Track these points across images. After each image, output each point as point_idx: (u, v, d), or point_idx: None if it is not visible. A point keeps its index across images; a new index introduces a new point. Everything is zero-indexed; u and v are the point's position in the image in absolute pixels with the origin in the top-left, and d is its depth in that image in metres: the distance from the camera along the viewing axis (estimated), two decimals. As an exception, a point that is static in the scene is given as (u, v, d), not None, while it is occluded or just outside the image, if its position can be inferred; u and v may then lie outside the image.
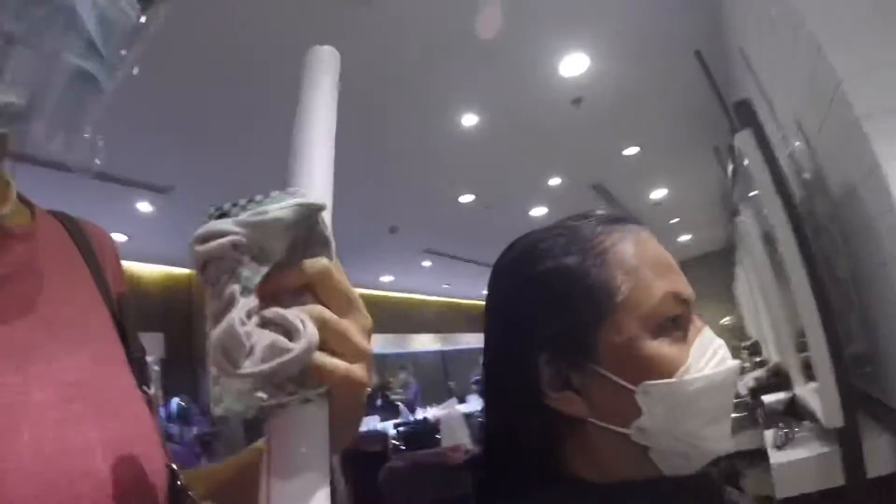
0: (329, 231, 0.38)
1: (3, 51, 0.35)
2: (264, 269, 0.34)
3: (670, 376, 0.50)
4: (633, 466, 0.52)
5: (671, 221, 7.49)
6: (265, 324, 0.33)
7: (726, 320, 8.43)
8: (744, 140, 1.78)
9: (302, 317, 0.33)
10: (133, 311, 0.52)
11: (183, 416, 5.12)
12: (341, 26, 2.53)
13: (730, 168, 2.66)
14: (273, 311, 0.34)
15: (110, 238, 0.56)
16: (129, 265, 5.64)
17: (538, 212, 5.80)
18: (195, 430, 5.11)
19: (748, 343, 6.08)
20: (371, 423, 5.60)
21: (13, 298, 0.42)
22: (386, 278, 7.99)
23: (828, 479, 1.74)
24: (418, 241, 6.11)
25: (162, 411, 5.14)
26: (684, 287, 0.54)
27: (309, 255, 0.36)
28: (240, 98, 2.96)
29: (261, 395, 0.33)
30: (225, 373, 0.32)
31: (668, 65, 3.20)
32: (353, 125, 3.34)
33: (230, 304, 0.33)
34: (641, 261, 0.53)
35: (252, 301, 0.33)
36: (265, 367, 0.31)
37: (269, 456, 0.34)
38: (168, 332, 5.77)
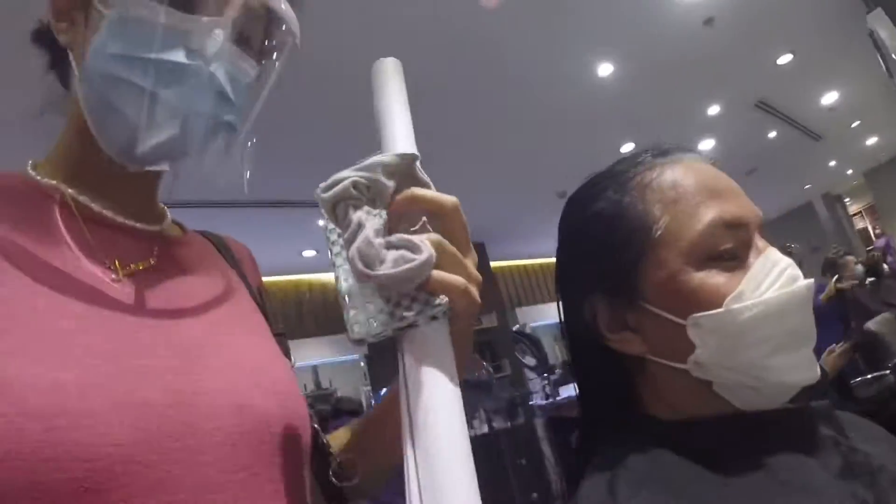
0: (427, 178, 0.44)
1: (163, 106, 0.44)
2: (380, 209, 0.41)
3: (718, 306, 0.48)
4: (701, 402, 0.51)
5: (853, 125, 6.86)
6: (389, 246, 0.38)
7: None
8: (876, 19, 1.81)
9: (422, 239, 0.38)
10: (270, 298, 0.63)
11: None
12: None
13: (878, 56, 2.52)
14: (397, 236, 0.39)
15: (245, 247, 0.67)
16: (317, 277, 6.15)
17: (706, 144, 5.61)
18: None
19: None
20: (570, 390, 5.81)
21: (181, 289, 0.51)
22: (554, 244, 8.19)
23: None
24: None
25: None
26: (738, 210, 0.51)
27: None
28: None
29: (396, 313, 0.38)
30: (363, 276, 0.37)
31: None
32: (513, 93, 3.65)
33: (360, 226, 0.38)
34: (684, 190, 0.52)
35: (379, 222, 0.39)
36: (396, 270, 0.36)
37: (403, 374, 0.39)
38: None
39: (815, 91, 5.35)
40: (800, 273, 0.49)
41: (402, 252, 0.37)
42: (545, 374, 5.25)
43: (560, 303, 0.61)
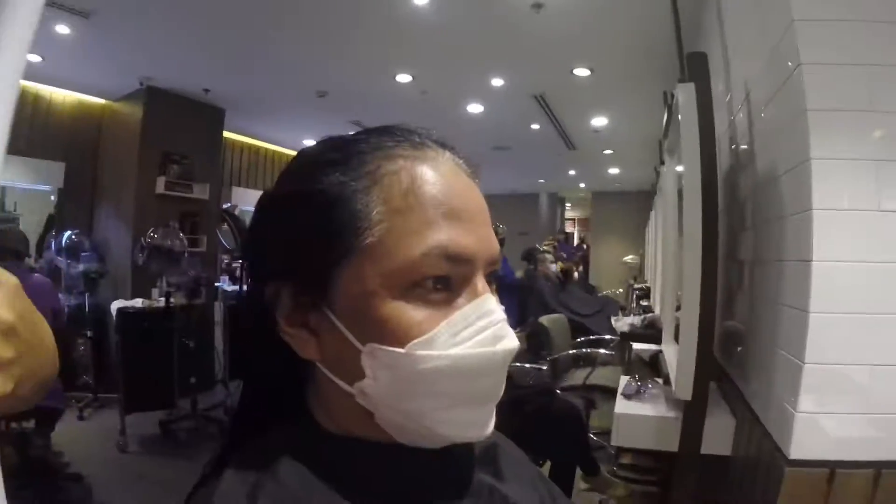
0: None
1: None
2: None
3: (402, 345, 0.41)
4: (362, 425, 0.45)
5: (605, 152, 7.49)
6: None
7: (629, 258, 8.83)
8: (685, 93, 1.65)
9: None
10: None
11: (72, 250, 4.78)
12: None
13: (665, 116, 2.58)
14: None
15: None
16: (39, 88, 5.06)
17: (475, 108, 5.54)
18: (82, 267, 4.81)
19: (642, 286, 6.37)
20: None
21: None
22: (309, 142, 7.60)
23: (663, 442, 1.80)
24: (347, 110, 5.75)
25: (52, 244, 4.83)
26: (470, 244, 0.43)
27: None
28: None
29: None
30: None
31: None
32: None
33: None
34: (418, 202, 0.42)
35: None
36: None
37: None
38: (70, 162, 5.32)
39: (590, 110, 5.51)
40: (507, 333, 0.43)
41: None
42: (240, 260, 4.87)
43: (245, 264, 0.50)
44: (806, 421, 1.22)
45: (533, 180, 10.56)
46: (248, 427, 0.50)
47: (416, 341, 0.41)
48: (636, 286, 6.64)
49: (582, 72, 4.26)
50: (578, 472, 2.71)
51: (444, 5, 3.31)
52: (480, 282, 0.44)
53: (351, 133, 0.48)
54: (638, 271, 8.14)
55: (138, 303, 4.28)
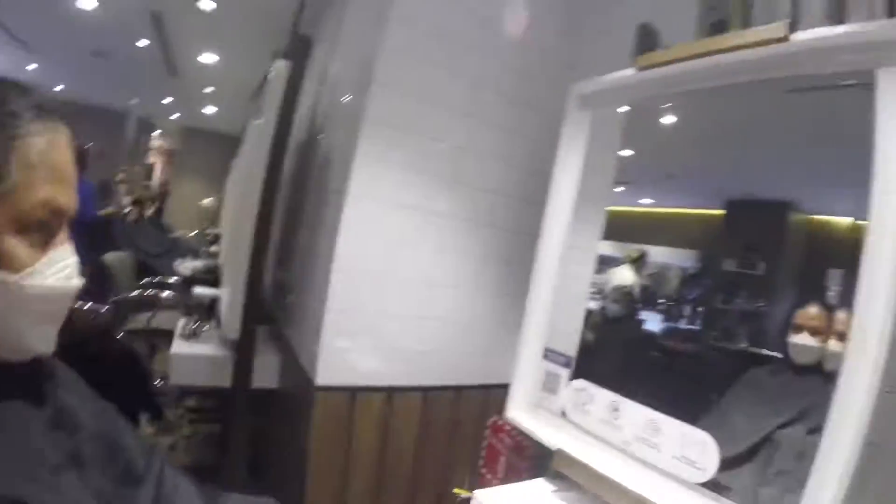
0: None
1: None
2: None
3: (15, 274, 0.53)
4: None
5: (205, 90, 7.19)
6: None
7: (207, 201, 8.59)
8: (278, 69, 1.82)
9: None
10: None
11: None
12: None
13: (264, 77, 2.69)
14: None
15: None
16: None
17: (87, 3, 4.56)
18: None
19: (214, 232, 6.33)
20: None
21: None
22: None
23: (218, 378, 1.94)
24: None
25: None
26: (65, 201, 0.57)
27: None
28: None
29: None
30: None
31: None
32: None
33: None
34: (41, 162, 0.54)
35: None
36: None
37: None
38: None
39: (205, 44, 5.24)
40: (76, 275, 0.59)
41: None
42: None
43: None
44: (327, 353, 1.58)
45: (124, 97, 9.25)
46: None
47: (25, 272, 0.54)
48: (209, 232, 6.57)
49: (207, 4, 4.05)
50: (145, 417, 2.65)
51: None
52: (64, 233, 0.58)
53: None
54: (214, 215, 7.96)
55: None
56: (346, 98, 1.86)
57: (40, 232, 0.55)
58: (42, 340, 0.58)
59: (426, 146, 1.68)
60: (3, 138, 0.53)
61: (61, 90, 9.21)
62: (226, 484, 0.95)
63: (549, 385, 1.40)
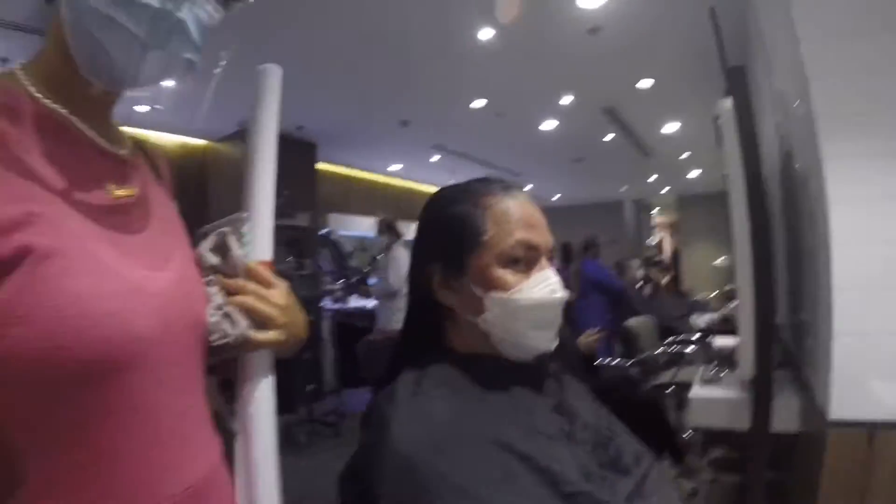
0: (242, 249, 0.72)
1: (140, 54, 0.53)
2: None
3: (505, 292, 0.75)
4: (483, 344, 0.78)
5: (681, 157, 7.47)
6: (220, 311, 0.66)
7: (719, 261, 8.50)
8: (724, 109, 1.83)
9: (238, 311, 0.66)
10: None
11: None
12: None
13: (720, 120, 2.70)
14: (227, 308, 0.67)
15: (163, 157, 0.78)
16: (147, 134, 5.43)
17: (549, 125, 5.75)
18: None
19: (731, 287, 6.21)
20: (358, 301, 5.96)
21: (145, 212, 0.63)
22: (396, 167, 8.13)
23: (735, 420, 1.92)
24: (428, 136, 6.19)
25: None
26: (536, 239, 0.77)
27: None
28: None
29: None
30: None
31: (682, 12, 3.19)
32: (374, 21, 3.36)
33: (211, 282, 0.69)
34: (509, 217, 0.77)
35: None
36: (218, 343, 0.65)
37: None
38: (181, 202, 5.82)
39: (660, 118, 5.60)
40: (559, 288, 0.78)
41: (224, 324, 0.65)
42: (340, 281, 6.05)
43: (411, 264, 0.87)
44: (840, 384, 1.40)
45: (614, 189, 10.47)
46: (405, 361, 0.81)
47: (513, 290, 0.75)
48: (726, 289, 6.48)
49: (645, 83, 4.41)
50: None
51: (506, 37, 3.61)
52: (545, 261, 0.78)
53: (464, 182, 0.85)
54: (730, 273, 7.73)
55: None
56: (795, 104, 1.72)
57: (522, 263, 0.76)
58: (540, 340, 0.76)
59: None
60: (482, 206, 0.78)
61: (557, 199, 11.07)
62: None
63: None
